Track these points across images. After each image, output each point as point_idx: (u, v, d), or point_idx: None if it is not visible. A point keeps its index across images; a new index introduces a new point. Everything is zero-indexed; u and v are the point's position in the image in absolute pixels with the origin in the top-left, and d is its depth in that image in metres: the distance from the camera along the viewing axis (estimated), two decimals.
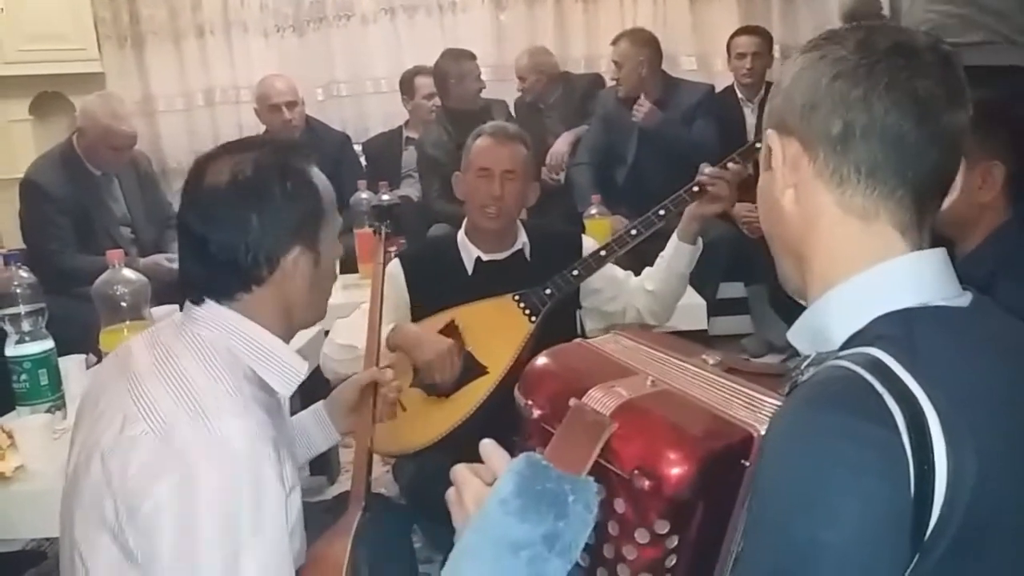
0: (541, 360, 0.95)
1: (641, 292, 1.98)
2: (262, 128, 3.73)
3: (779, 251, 0.85)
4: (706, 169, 1.84)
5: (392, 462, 2.16)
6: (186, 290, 1.16)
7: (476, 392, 1.80)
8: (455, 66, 3.67)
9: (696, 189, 1.83)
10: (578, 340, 0.98)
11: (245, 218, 1.10)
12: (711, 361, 0.91)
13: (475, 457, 1.31)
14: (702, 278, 2.18)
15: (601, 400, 0.83)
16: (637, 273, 2.05)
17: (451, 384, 1.83)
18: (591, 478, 0.77)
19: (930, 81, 0.75)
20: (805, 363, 0.77)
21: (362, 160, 4.02)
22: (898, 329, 0.71)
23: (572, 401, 0.85)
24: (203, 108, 4.52)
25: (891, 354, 0.69)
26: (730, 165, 1.83)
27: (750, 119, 3.72)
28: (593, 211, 2.93)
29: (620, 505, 0.81)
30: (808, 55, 0.79)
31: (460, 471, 0.85)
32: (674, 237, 1.93)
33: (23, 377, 1.74)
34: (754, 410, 0.83)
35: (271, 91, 3.56)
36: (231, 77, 4.48)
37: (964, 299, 0.77)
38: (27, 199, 3.18)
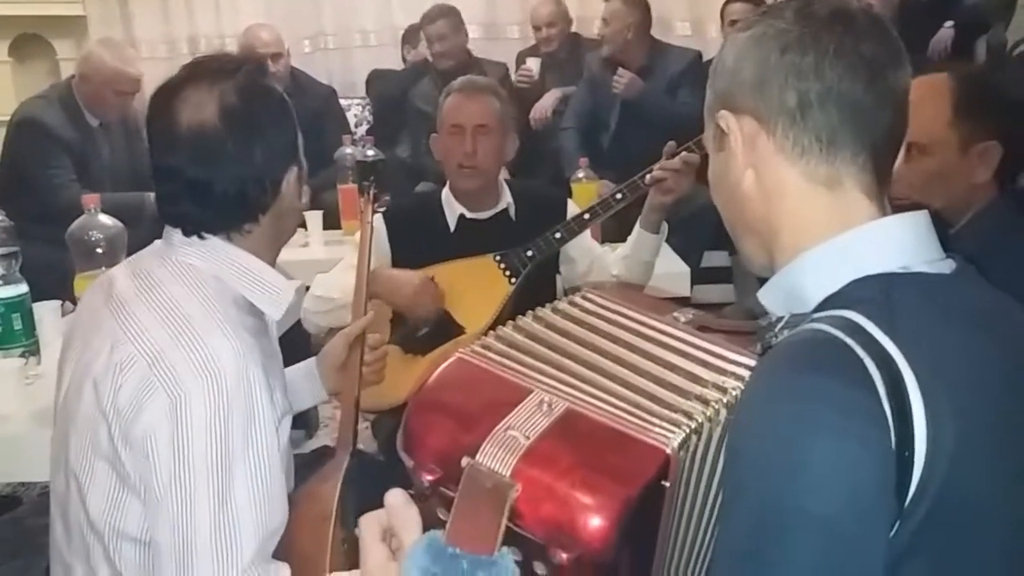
0: (419, 403, 0.83)
1: (608, 275, 1.96)
2: None
3: (741, 233, 0.83)
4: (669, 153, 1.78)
5: (371, 419, 2.17)
6: (186, 229, 1.13)
7: (453, 352, 1.80)
8: (435, 27, 3.60)
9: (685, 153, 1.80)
10: (460, 355, 0.85)
11: (248, 149, 1.09)
12: (683, 319, 0.89)
13: None
14: (687, 246, 2.17)
15: (497, 455, 0.74)
16: (623, 239, 2.04)
17: (430, 341, 1.83)
18: (505, 551, 0.69)
19: (872, 43, 0.75)
20: (779, 325, 0.76)
21: (351, 113, 3.97)
22: (875, 293, 0.71)
23: (464, 461, 0.75)
24: (187, 56, 4.38)
25: (868, 317, 0.68)
26: (684, 155, 1.76)
27: None
28: (580, 175, 2.91)
29: (540, 568, 0.74)
30: (748, 33, 0.78)
31: (366, 529, 0.74)
32: (637, 225, 1.90)
33: None
34: (718, 372, 0.81)
35: (256, 42, 3.50)
36: (216, 25, 4.40)
37: (946, 265, 0.76)
38: (27, 134, 3.10)
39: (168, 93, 1.11)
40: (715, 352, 0.85)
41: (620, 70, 3.42)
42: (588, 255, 1.99)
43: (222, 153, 1.08)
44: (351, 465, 1.28)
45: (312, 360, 1.52)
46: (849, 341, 0.67)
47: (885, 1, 3.41)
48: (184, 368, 1.00)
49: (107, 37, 3.62)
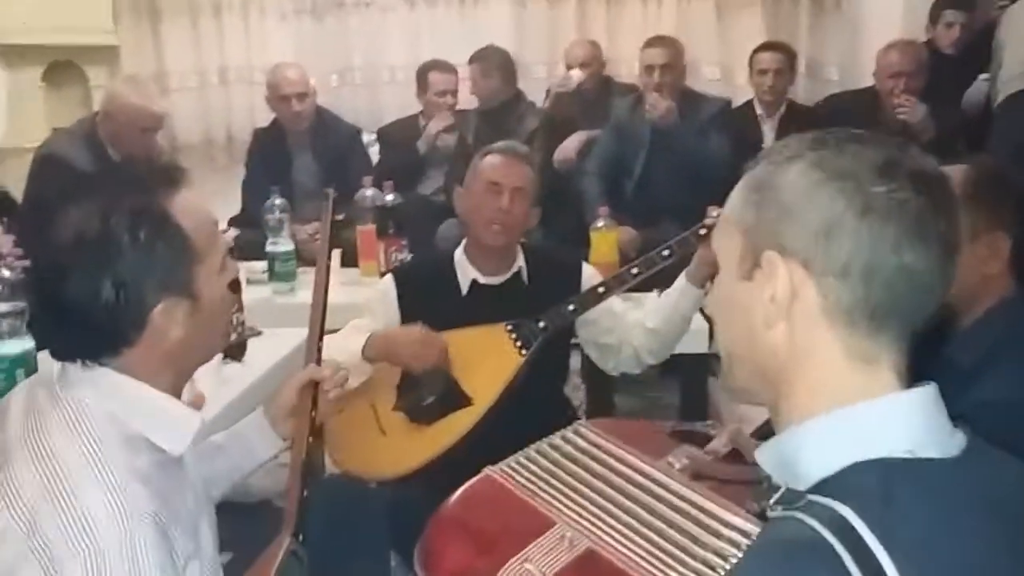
0: (441, 519, 0.83)
1: (640, 329, 1.92)
2: (272, 114, 3.69)
3: (747, 369, 0.76)
4: (713, 212, 1.78)
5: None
6: (51, 350, 1.06)
7: (459, 423, 1.77)
8: (470, 69, 3.64)
9: (703, 232, 1.77)
10: (489, 473, 0.85)
11: (97, 280, 0.99)
12: (677, 465, 0.87)
13: (454, 488, 1.26)
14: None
15: None
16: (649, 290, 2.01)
17: (437, 410, 1.80)
18: None
19: (948, 220, 0.70)
20: (775, 498, 0.72)
21: (375, 149, 3.97)
22: (875, 485, 0.66)
23: None
24: (217, 87, 4.48)
25: (863, 516, 0.64)
26: None
27: (768, 136, 3.65)
28: (600, 223, 2.87)
29: None
30: (818, 175, 0.70)
31: None
32: (682, 278, 1.86)
33: (0, 376, 1.71)
34: (714, 535, 0.78)
35: (282, 81, 3.51)
36: (246, 57, 4.45)
37: (956, 443, 0.71)
38: (50, 169, 3.09)
39: (61, 195, 1.05)
40: (711, 512, 0.82)
41: (653, 96, 3.34)
42: (609, 314, 1.96)
43: (72, 276, 1.00)
44: (290, 549, 1.16)
45: (260, 409, 1.43)
46: (839, 547, 0.63)
47: (913, 57, 3.35)
48: (59, 540, 0.93)
49: (131, 74, 3.66)
